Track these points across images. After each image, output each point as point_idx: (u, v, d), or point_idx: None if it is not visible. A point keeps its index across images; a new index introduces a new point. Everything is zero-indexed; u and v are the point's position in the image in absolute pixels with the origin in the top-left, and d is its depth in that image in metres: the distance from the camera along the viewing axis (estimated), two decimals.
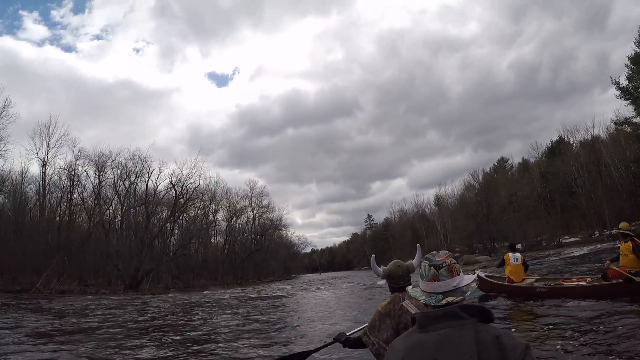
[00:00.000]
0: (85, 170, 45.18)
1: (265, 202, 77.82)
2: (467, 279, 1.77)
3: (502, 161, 77.92)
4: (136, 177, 48.32)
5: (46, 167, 41.22)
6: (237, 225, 74.25)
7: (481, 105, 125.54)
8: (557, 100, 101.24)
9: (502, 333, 1.49)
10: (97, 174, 45.94)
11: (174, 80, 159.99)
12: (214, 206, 67.37)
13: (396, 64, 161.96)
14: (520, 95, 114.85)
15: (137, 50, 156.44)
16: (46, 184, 41.56)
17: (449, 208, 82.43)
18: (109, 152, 47.30)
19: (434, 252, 1.86)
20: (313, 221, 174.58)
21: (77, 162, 43.95)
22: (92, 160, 45.16)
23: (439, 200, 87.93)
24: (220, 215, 70.35)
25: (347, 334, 3.49)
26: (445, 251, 1.85)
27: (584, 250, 32.19)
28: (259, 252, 73.91)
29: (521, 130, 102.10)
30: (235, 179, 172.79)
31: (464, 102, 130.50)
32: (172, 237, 56.37)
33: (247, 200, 75.12)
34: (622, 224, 9.45)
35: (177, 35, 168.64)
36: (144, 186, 50.13)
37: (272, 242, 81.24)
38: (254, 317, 14.91)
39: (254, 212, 76.63)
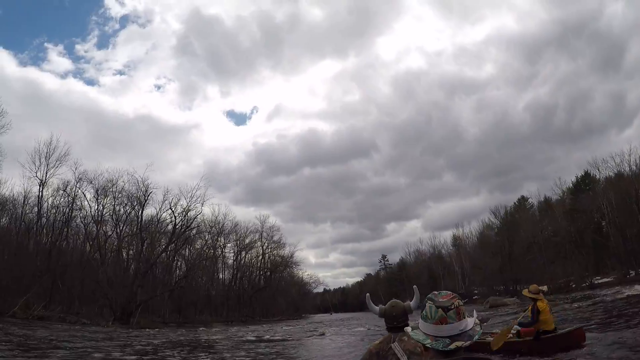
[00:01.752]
0: (83, 193, 43.12)
1: (276, 238, 75.06)
2: (470, 322, 1.69)
3: (523, 200, 74.51)
4: (138, 203, 45.77)
5: (43, 187, 39.16)
6: (246, 260, 71.40)
7: (497, 146, 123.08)
8: (574, 141, 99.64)
9: None
10: (97, 197, 43.90)
11: (193, 117, 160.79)
12: (222, 239, 65.07)
13: (413, 105, 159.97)
14: (537, 136, 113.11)
15: (158, 87, 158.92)
16: (42, 205, 39.58)
17: (467, 249, 79.21)
18: (110, 175, 45.31)
19: (436, 292, 1.78)
20: (326, 261, 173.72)
21: (77, 185, 42.18)
22: (90, 183, 43.15)
23: (456, 241, 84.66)
24: (228, 249, 67.78)
25: None
26: (449, 292, 1.77)
27: (619, 292, 28.40)
28: (268, 290, 70.64)
29: (538, 172, 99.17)
30: (251, 216, 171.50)
31: (480, 143, 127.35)
32: (178, 270, 53.80)
33: (257, 235, 72.34)
34: (531, 287, 10.09)
35: (198, 73, 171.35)
36: (146, 212, 47.92)
37: (282, 279, 78.03)
38: None
39: (264, 247, 73.74)
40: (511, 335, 10.34)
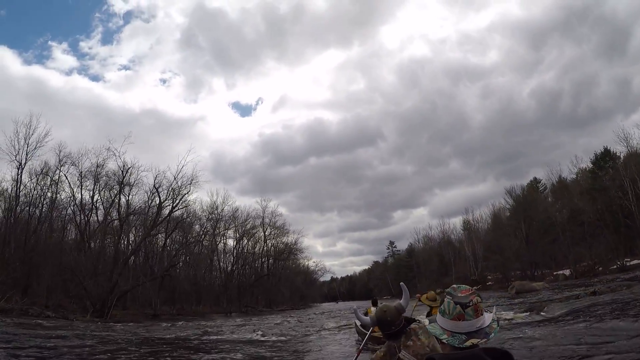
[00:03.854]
0: (65, 176, 39.81)
1: (279, 224, 71.55)
2: (488, 318, 1.66)
3: (535, 182, 70.78)
4: (118, 183, 41.90)
5: (22, 171, 35.91)
6: (248, 247, 67.93)
7: (503, 133, 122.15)
8: (579, 127, 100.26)
9: None
10: (80, 180, 40.60)
11: (199, 109, 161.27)
12: (222, 225, 61.63)
13: (417, 93, 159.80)
14: (542, 122, 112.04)
15: (164, 81, 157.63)
16: (21, 190, 36.33)
17: (478, 233, 75.64)
18: (95, 157, 41.82)
19: (455, 286, 1.73)
20: (334, 250, 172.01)
21: (60, 168, 38.94)
22: (73, 164, 39.82)
23: (467, 225, 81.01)
24: (228, 236, 64.29)
25: None
26: (467, 286, 1.72)
27: None
28: (271, 278, 67.37)
29: (544, 159, 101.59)
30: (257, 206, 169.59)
31: (485, 130, 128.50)
32: (184, 260, 50.34)
33: (258, 221, 68.76)
34: (429, 294, 10.40)
35: (203, 66, 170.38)
36: (137, 198, 44.51)
37: (286, 267, 74.69)
38: None
39: (266, 233, 70.23)
40: None
